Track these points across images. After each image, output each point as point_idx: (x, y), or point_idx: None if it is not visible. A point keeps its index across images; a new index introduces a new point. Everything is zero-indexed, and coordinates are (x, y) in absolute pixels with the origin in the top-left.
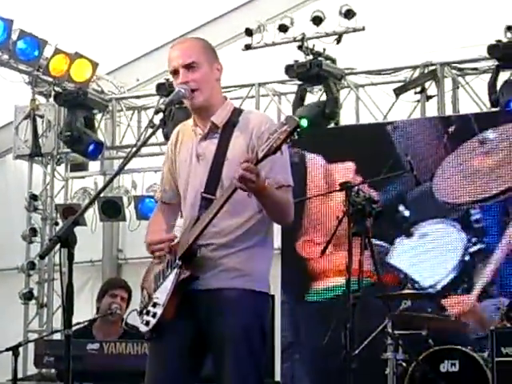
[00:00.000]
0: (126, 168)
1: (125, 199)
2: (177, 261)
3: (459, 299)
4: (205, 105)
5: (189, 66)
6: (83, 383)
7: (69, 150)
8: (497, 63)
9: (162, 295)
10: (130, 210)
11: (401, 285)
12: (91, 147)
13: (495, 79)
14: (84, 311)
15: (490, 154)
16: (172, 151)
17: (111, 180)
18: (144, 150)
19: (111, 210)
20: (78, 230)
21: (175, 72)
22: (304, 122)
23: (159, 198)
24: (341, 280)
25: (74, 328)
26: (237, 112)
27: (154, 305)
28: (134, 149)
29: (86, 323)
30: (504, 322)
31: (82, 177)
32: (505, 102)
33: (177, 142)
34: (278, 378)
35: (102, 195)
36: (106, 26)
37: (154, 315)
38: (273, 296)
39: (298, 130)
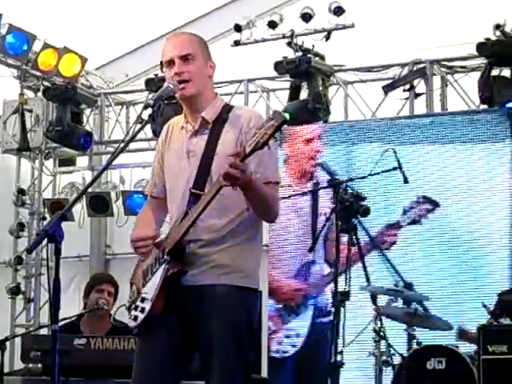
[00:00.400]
0: (113, 163)
1: (113, 194)
2: (165, 256)
3: None
4: (195, 97)
5: (185, 58)
6: (70, 378)
7: (57, 144)
8: (486, 61)
9: (150, 290)
10: (117, 206)
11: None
12: (82, 140)
13: (488, 77)
14: (71, 306)
15: None
16: (162, 146)
17: (99, 175)
18: (132, 146)
19: (99, 205)
20: (65, 224)
21: (170, 62)
22: (286, 116)
23: (149, 193)
24: None
25: (61, 323)
26: (227, 108)
27: (143, 300)
28: (122, 144)
29: (73, 318)
30: (491, 320)
31: (70, 172)
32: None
33: (167, 138)
34: (264, 374)
35: (89, 190)
36: (95, 21)
37: (142, 310)
38: (261, 292)
39: (285, 125)
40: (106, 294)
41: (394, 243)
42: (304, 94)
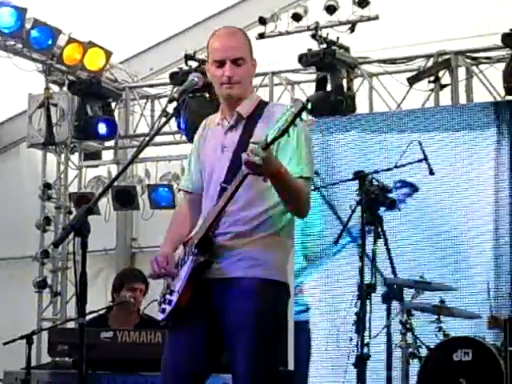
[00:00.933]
0: (139, 157)
1: (138, 188)
2: (193, 249)
3: None
4: (240, 97)
5: (236, 61)
6: (97, 372)
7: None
8: (510, 52)
9: (178, 283)
10: (143, 199)
11: None
12: (101, 127)
13: (511, 68)
14: (97, 299)
15: None
16: (198, 142)
17: (125, 169)
18: (157, 139)
19: (125, 198)
20: (91, 218)
21: (220, 62)
22: (305, 103)
23: (184, 188)
24: None
25: (88, 317)
26: (262, 104)
27: (171, 292)
28: (148, 138)
29: (100, 312)
30: None
31: (96, 165)
32: None
33: (203, 135)
34: (291, 366)
35: (115, 184)
36: (120, 15)
37: (170, 302)
38: (288, 286)
39: (305, 111)
40: (138, 292)
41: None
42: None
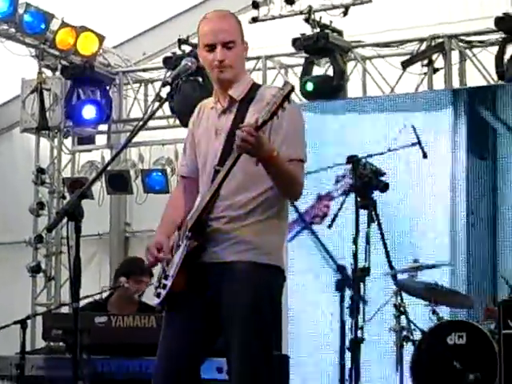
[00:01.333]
0: (132, 141)
1: (132, 172)
2: (187, 233)
3: None
4: (232, 81)
5: (227, 44)
6: (91, 356)
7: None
8: (503, 36)
9: (172, 267)
10: (137, 184)
11: None
12: (88, 111)
13: (502, 52)
14: (91, 284)
15: None
16: (193, 127)
17: (118, 153)
18: (151, 123)
19: (118, 183)
20: (85, 203)
21: (211, 46)
22: (310, 86)
23: (180, 173)
24: None
25: (84, 301)
26: (255, 87)
27: (166, 277)
28: (141, 122)
29: (96, 297)
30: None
31: (89, 150)
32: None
33: (197, 119)
34: (285, 351)
35: (108, 168)
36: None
37: (165, 286)
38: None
39: (293, 93)
40: (144, 285)
41: (326, 215)
42: (318, 70)
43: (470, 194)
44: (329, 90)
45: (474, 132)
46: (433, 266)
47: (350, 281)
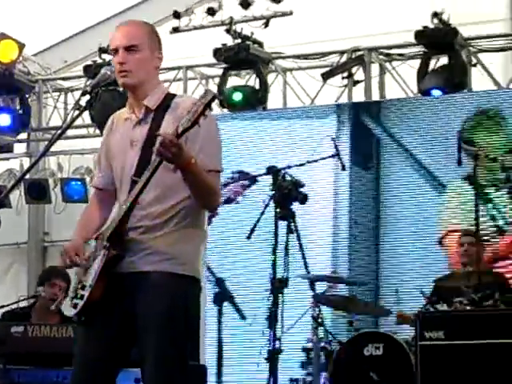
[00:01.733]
0: (52, 150)
1: (51, 181)
2: (104, 242)
3: None
4: (137, 87)
5: (129, 48)
6: (7, 366)
7: None
8: (423, 49)
9: (90, 277)
10: (55, 193)
11: None
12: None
13: (426, 66)
14: (9, 293)
15: None
16: (107, 138)
17: (36, 161)
18: (70, 132)
19: (37, 192)
20: (2, 211)
21: (115, 51)
22: (237, 96)
23: (94, 185)
24: None
25: (3, 310)
26: (170, 96)
27: (83, 287)
28: (60, 130)
29: (12, 306)
30: (428, 306)
31: (7, 158)
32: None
33: (111, 130)
34: (202, 361)
35: (27, 177)
36: (33, 7)
37: (82, 297)
38: (200, 280)
39: (215, 101)
40: (58, 289)
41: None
42: (233, 81)
43: (353, 204)
44: (254, 101)
45: (357, 142)
46: (349, 283)
47: (229, 294)
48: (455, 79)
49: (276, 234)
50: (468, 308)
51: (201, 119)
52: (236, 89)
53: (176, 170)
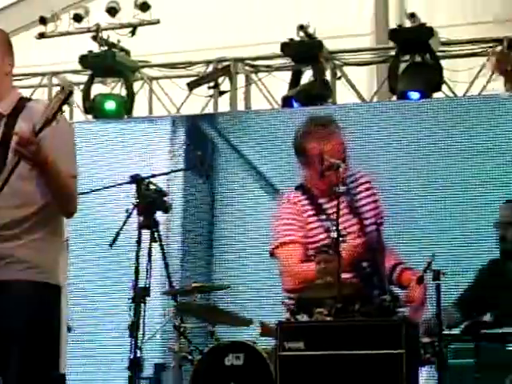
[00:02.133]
0: None
1: None
2: None
3: None
4: None
5: None
6: None
7: None
8: (290, 60)
9: None
10: None
11: None
12: None
13: (298, 78)
14: None
15: None
16: None
17: None
18: None
19: None
20: None
21: None
22: (110, 105)
23: None
24: None
25: None
26: (23, 101)
27: None
28: None
29: None
30: (290, 317)
31: None
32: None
33: None
34: (63, 370)
35: None
36: None
37: None
38: (61, 288)
39: (71, 98)
40: None
41: None
42: (98, 89)
43: (186, 211)
44: (124, 110)
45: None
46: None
47: None
48: (313, 91)
49: (139, 243)
50: (328, 319)
51: (58, 115)
52: (107, 97)
53: (33, 168)
